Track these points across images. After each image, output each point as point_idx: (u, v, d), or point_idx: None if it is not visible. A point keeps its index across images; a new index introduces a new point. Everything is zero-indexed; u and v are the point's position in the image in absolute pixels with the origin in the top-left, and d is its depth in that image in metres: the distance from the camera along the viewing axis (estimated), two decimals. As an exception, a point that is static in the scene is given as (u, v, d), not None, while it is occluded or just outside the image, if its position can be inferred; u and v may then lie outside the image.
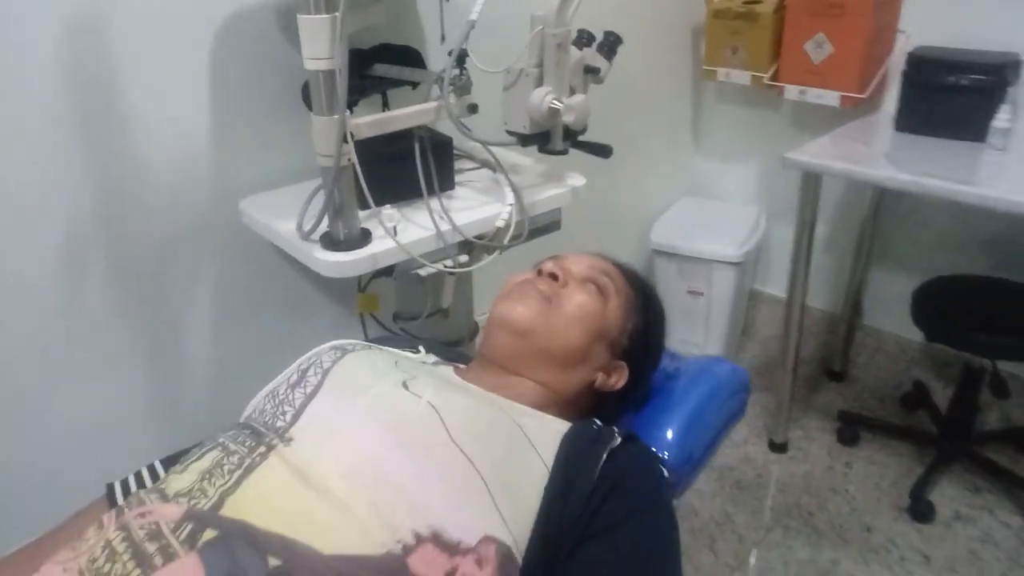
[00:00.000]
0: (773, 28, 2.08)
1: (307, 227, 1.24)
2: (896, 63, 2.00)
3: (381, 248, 1.21)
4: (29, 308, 1.25)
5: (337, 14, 1.04)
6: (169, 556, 0.60)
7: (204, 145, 1.38)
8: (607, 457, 0.74)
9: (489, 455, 0.72)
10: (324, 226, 1.22)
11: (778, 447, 2.15)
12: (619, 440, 0.78)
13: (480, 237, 1.31)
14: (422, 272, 1.27)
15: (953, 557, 1.79)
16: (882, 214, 2.26)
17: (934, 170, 1.68)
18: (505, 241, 1.32)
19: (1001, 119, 1.75)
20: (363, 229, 1.23)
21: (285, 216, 1.29)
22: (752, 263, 2.44)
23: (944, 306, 1.92)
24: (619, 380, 0.93)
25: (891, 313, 2.29)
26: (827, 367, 2.48)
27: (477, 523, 0.67)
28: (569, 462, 0.74)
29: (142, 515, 0.65)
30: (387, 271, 1.35)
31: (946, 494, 1.97)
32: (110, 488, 0.85)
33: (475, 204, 1.35)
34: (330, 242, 1.21)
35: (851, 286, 2.37)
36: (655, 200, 2.53)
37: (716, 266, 2.29)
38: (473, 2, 1.16)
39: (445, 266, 1.28)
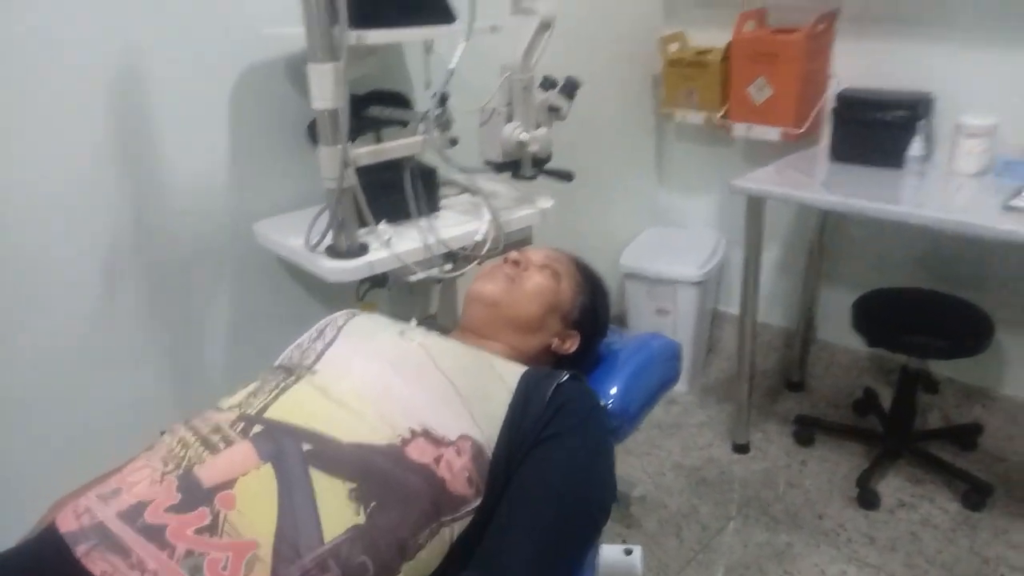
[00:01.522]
0: (721, 74, 2.36)
1: (313, 241, 1.46)
2: (830, 102, 2.27)
3: (377, 257, 1.44)
4: (73, 306, 1.47)
5: (340, 62, 1.28)
6: (229, 442, 0.83)
7: (223, 176, 1.62)
8: (556, 386, 0.97)
9: (465, 379, 0.95)
10: (328, 240, 1.45)
11: (740, 448, 2.35)
12: (567, 376, 1.00)
13: (462, 249, 1.54)
14: (412, 279, 1.49)
15: (895, 538, 1.99)
16: (828, 237, 2.50)
17: (860, 192, 1.93)
18: (483, 252, 1.55)
19: (916, 148, 2.02)
20: (361, 243, 1.45)
21: (294, 234, 1.52)
22: (713, 283, 2.68)
23: (881, 314, 2.15)
24: (571, 345, 1.17)
25: (841, 327, 2.50)
26: (787, 378, 2.70)
27: (456, 425, 0.89)
28: (528, 388, 0.96)
29: (205, 420, 0.88)
30: (381, 281, 1.57)
31: (891, 485, 2.17)
32: (162, 433, 1.05)
33: (457, 222, 1.58)
34: (333, 253, 1.43)
35: (804, 303, 2.61)
36: (624, 229, 2.77)
37: (680, 286, 2.52)
38: (453, 53, 1.41)
39: (432, 274, 1.51)
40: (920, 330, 2.07)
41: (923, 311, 2.16)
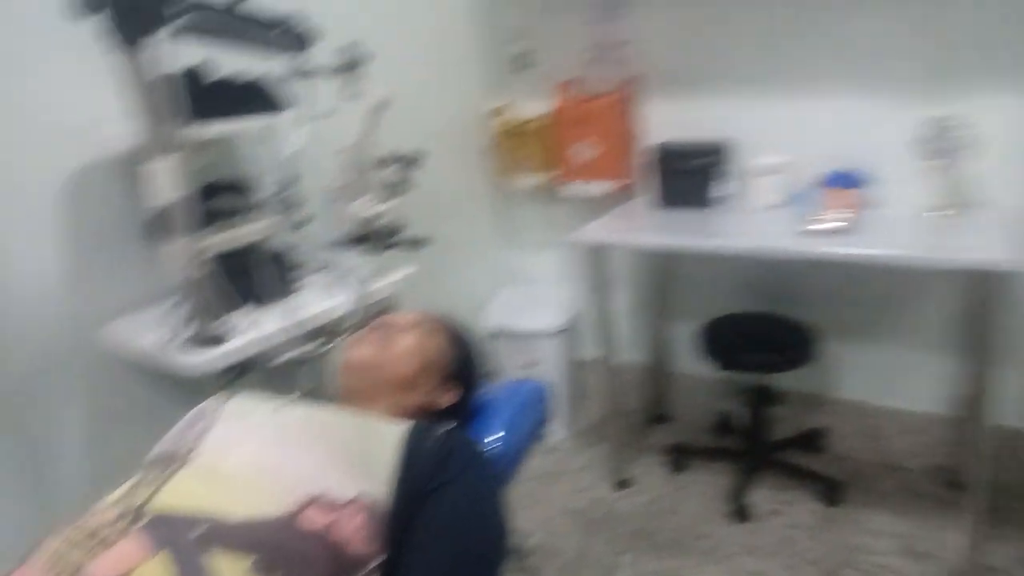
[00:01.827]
0: (547, 139, 2.55)
1: (168, 338, 1.43)
2: (647, 155, 2.50)
3: (235, 345, 1.42)
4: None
5: (178, 156, 1.30)
6: (118, 537, 0.80)
7: (62, 285, 1.55)
8: (438, 439, 1.02)
9: (351, 442, 0.98)
10: (184, 335, 1.42)
11: (621, 484, 2.44)
12: (448, 428, 1.05)
13: (325, 326, 1.56)
14: (277, 362, 1.49)
15: (770, 544, 2.13)
16: (669, 275, 2.72)
17: (681, 232, 2.15)
18: (348, 325, 1.57)
19: (720, 189, 2.28)
20: (219, 333, 1.43)
21: (147, 333, 1.48)
22: (574, 331, 2.81)
23: (723, 340, 2.34)
24: (449, 399, 1.22)
25: (693, 356, 2.70)
26: (655, 413, 2.85)
27: (347, 487, 0.91)
28: (412, 442, 1.00)
29: (88, 520, 0.84)
30: (247, 367, 1.55)
31: (759, 496, 2.33)
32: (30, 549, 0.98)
33: (318, 299, 1.60)
34: (190, 346, 1.41)
35: (659, 341, 2.80)
36: (482, 290, 2.88)
37: (543, 338, 2.64)
38: (296, 137, 1.46)
39: (295, 355, 1.51)
40: (757, 349, 2.27)
41: (759, 332, 2.37)
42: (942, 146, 2.04)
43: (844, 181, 2.18)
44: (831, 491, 2.29)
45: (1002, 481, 2.17)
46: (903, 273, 2.29)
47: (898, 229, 2.00)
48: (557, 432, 2.75)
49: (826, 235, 1.94)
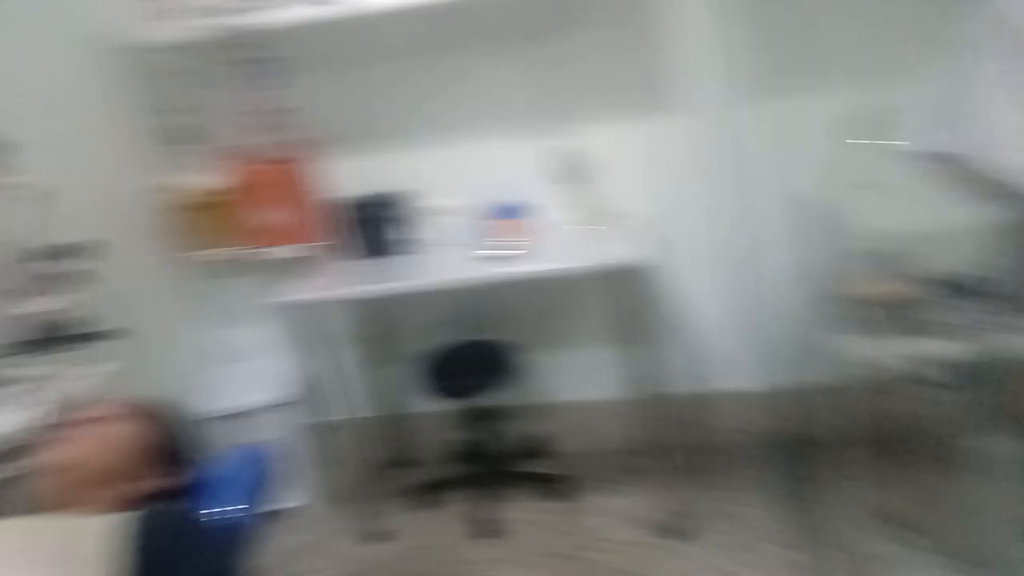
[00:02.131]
0: (231, 209, 2.50)
1: None
2: (338, 213, 2.57)
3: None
4: None
5: None
6: None
7: None
8: (165, 519, 1.01)
9: (60, 546, 0.93)
10: None
11: (382, 536, 2.47)
12: (174, 508, 1.06)
13: (15, 444, 1.36)
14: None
15: (526, 552, 2.30)
16: (386, 324, 2.81)
17: (376, 279, 2.29)
18: (40, 439, 1.38)
19: (406, 234, 2.50)
20: None
21: None
22: (302, 401, 2.73)
23: (441, 373, 2.47)
24: (167, 481, 1.18)
25: (421, 396, 2.78)
26: (399, 458, 2.89)
27: None
28: (138, 529, 0.97)
29: None
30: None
31: (508, 510, 2.49)
32: None
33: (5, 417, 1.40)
34: None
35: (388, 388, 2.87)
36: (194, 374, 2.71)
37: (266, 412, 2.55)
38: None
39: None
40: (472, 375, 2.44)
41: (470, 359, 2.55)
42: (572, 172, 2.44)
43: (507, 212, 2.50)
44: (566, 488, 2.53)
45: (690, 440, 2.59)
46: (569, 282, 2.64)
47: (556, 246, 2.34)
48: (308, 503, 2.66)
49: (498, 260, 2.22)
